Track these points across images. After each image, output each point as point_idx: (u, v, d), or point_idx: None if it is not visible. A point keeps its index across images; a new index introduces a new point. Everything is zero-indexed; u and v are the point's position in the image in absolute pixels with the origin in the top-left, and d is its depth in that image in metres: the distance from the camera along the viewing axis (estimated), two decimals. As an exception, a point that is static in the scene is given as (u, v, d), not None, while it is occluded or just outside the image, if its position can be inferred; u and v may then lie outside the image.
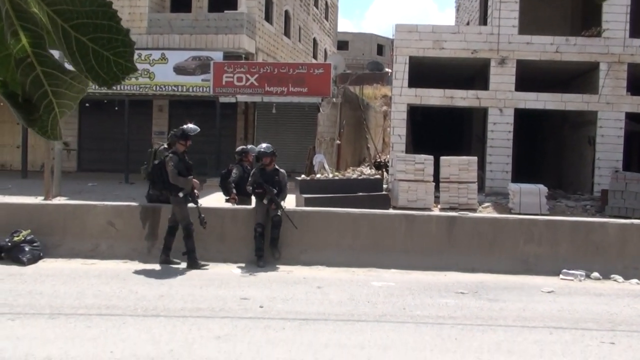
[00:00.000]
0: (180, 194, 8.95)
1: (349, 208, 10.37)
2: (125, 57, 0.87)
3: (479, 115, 22.18)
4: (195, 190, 9.13)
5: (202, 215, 8.91)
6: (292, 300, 7.32)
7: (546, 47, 19.07)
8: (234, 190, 9.80)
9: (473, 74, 22.38)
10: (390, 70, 26.72)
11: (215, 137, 21.09)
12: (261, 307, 6.97)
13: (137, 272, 8.65)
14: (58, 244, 9.57)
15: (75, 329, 6.04)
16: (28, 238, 9.23)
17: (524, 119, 22.10)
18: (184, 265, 9.06)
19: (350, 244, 9.58)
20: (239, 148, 10.80)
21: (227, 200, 10.08)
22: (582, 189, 20.13)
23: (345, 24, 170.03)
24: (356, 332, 6.14)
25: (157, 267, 9.01)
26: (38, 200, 12.94)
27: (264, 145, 9.78)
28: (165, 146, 9.79)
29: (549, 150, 25.22)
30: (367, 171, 20.76)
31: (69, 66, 0.89)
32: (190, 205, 9.08)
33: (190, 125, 9.21)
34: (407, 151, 19.10)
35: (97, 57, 0.86)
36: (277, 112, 21.86)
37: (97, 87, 0.94)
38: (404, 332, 6.20)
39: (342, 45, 50.33)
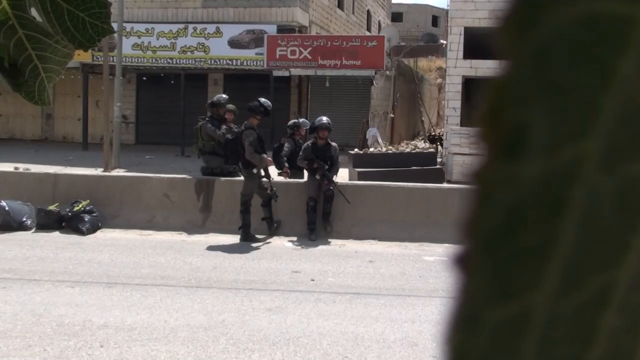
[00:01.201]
0: (254, 170, 9.05)
1: (403, 182, 10.29)
2: (101, 19, 0.86)
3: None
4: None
5: (275, 189, 9.10)
6: (343, 274, 7.34)
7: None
8: (286, 164, 9.83)
9: (532, 45, 21.79)
10: (445, 42, 26.27)
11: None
12: (312, 280, 7.02)
13: (191, 244, 8.80)
14: (115, 215, 9.81)
15: (132, 298, 6.21)
16: (87, 208, 9.48)
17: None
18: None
19: (403, 218, 9.52)
20: (290, 122, 10.82)
21: (279, 174, 10.13)
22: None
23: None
24: (407, 307, 6.12)
25: (210, 239, 9.15)
26: (97, 171, 13.27)
27: (324, 118, 9.72)
28: (207, 118, 9.89)
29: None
30: (421, 145, 20.55)
31: None
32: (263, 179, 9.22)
33: (267, 101, 9.32)
34: (462, 124, 18.81)
35: (72, 19, 0.85)
36: (331, 85, 21.78)
37: (80, 51, 0.92)
38: (455, 307, 6.15)
39: (397, 17, 49.64)
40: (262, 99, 9.30)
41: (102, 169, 14.26)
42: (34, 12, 0.87)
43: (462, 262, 0.28)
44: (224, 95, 10.35)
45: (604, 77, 0.26)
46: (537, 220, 0.27)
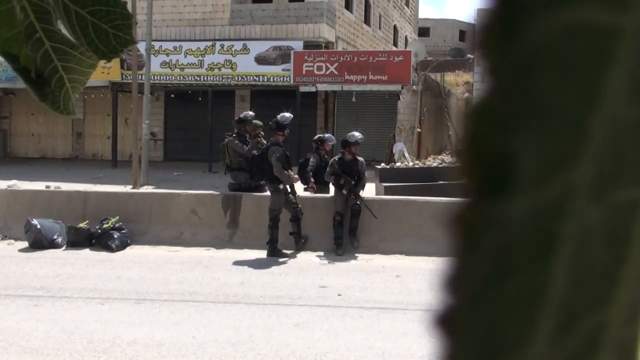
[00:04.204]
0: (281, 186, 9.09)
1: (430, 197, 10.24)
2: (124, 30, 0.88)
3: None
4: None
5: (300, 206, 9.17)
6: (370, 289, 7.31)
7: None
8: (312, 179, 9.86)
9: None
10: (472, 57, 26.17)
11: (295, 126, 21.23)
12: (339, 295, 7.00)
13: (219, 259, 8.85)
14: (144, 231, 9.91)
15: (160, 314, 6.25)
16: (116, 225, 9.59)
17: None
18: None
19: (430, 233, 9.46)
20: (316, 137, 10.87)
21: (305, 189, 10.16)
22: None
23: (427, 10, 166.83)
24: (435, 322, 6.07)
25: (238, 254, 9.18)
26: (126, 188, 13.43)
27: (356, 133, 9.74)
28: (234, 135, 9.96)
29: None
30: (449, 159, 20.45)
31: None
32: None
33: (285, 114, 9.33)
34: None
35: (96, 30, 0.87)
36: (357, 100, 21.81)
37: (106, 62, 0.94)
38: (484, 322, 6.09)
39: (423, 31, 49.64)
40: (282, 115, 9.32)
41: (131, 186, 14.43)
42: (60, 25, 0.90)
43: (446, 323, 0.25)
44: (250, 113, 10.43)
45: (590, 96, 0.24)
46: (528, 263, 0.24)
